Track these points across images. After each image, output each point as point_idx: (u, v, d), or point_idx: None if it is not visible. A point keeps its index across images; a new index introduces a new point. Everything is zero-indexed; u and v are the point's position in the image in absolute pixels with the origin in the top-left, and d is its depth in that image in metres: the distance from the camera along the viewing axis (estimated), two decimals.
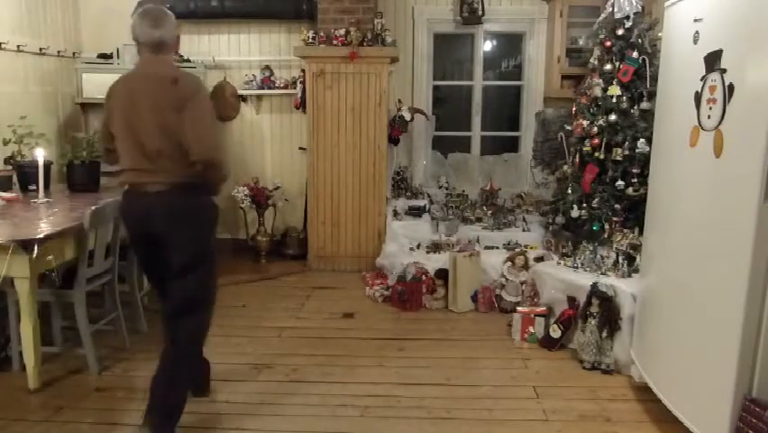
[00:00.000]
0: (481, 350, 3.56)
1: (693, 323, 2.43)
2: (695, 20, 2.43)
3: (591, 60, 4.18)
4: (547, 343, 3.56)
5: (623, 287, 3.29)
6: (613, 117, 3.90)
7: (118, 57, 4.82)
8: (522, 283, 4.09)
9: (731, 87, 2.17)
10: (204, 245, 2.57)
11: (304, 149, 5.22)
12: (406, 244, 4.70)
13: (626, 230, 3.69)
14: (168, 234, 2.47)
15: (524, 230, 4.74)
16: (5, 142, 3.92)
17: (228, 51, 5.42)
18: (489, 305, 4.17)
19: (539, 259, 4.16)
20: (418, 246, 4.66)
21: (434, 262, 4.34)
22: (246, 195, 5.13)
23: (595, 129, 3.96)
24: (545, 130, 5.21)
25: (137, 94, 2.46)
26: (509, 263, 4.15)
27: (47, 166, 3.62)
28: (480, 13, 5.20)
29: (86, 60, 4.97)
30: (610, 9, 4.03)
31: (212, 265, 2.63)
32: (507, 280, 4.15)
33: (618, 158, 3.90)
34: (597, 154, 3.98)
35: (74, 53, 5.10)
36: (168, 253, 2.50)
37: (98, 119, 4.76)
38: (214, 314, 2.72)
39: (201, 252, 2.55)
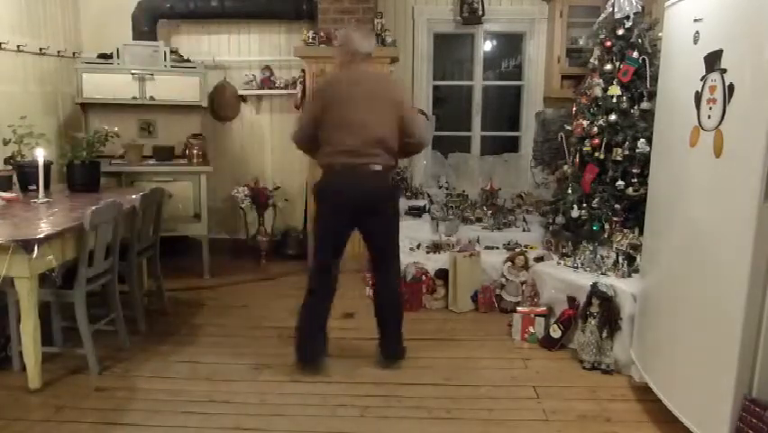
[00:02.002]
0: (481, 350, 3.56)
1: (693, 323, 2.43)
2: (695, 20, 2.43)
3: (591, 60, 4.18)
4: (547, 343, 3.56)
5: (623, 287, 3.29)
6: (613, 117, 3.90)
7: (118, 57, 4.82)
8: (522, 283, 4.09)
9: (731, 87, 2.17)
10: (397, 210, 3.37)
11: None
12: (406, 244, 4.69)
13: (626, 230, 3.69)
14: (380, 204, 3.15)
15: (524, 230, 4.73)
16: (5, 142, 3.92)
17: (228, 51, 5.42)
18: (489, 305, 4.17)
19: (539, 259, 4.16)
20: (418, 246, 4.65)
21: (434, 262, 4.34)
22: (246, 195, 5.13)
23: (595, 129, 3.96)
24: (545, 130, 5.21)
25: (362, 90, 3.08)
26: (509, 263, 4.16)
27: (47, 166, 3.62)
28: (480, 13, 5.21)
29: (86, 60, 4.96)
30: (610, 9, 4.02)
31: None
32: (507, 280, 4.15)
33: (618, 158, 3.89)
34: (597, 154, 3.97)
35: (74, 53, 5.10)
36: (372, 220, 3.16)
37: (99, 119, 4.79)
38: None
39: (396, 216, 3.33)
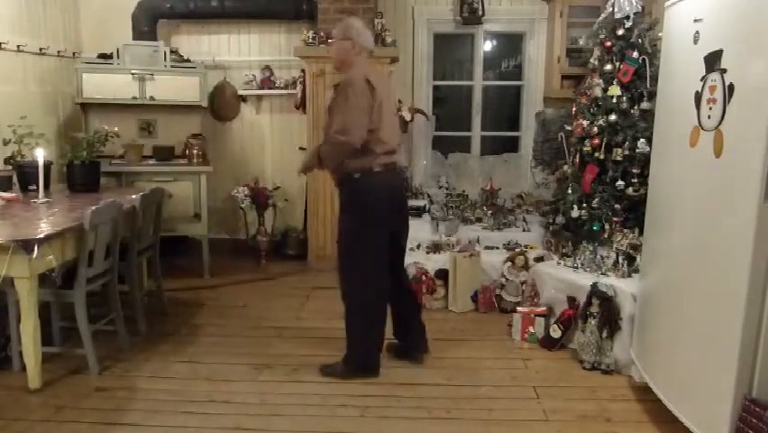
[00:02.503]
0: (481, 350, 3.56)
1: (693, 323, 2.43)
2: (695, 20, 2.43)
3: (591, 60, 4.18)
4: (547, 343, 3.56)
5: (623, 287, 3.29)
6: (613, 117, 3.90)
7: (118, 57, 4.82)
8: (522, 283, 4.09)
9: (731, 87, 2.17)
10: None
11: (304, 149, 5.22)
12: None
13: (626, 230, 3.69)
14: (406, 202, 3.31)
15: (524, 230, 4.73)
16: (5, 142, 3.92)
17: (228, 51, 5.42)
18: (489, 305, 4.17)
19: (539, 259, 4.16)
20: (418, 246, 4.65)
21: (434, 263, 4.34)
22: (246, 195, 5.13)
23: (595, 129, 3.96)
24: (545, 130, 5.21)
25: (387, 88, 3.10)
26: (509, 263, 4.15)
27: (47, 166, 3.62)
28: (480, 13, 5.21)
29: (86, 60, 4.96)
30: (610, 9, 4.02)
31: None
32: (507, 280, 4.15)
33: (618, 158, 3.89)
34: (597, 154, 3.97)
35: (74, 53, 5.10)
36: (400, 219, 3.19)
37: (99, 119, 4.79)
38: None
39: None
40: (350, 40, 3.01)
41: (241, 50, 5.43)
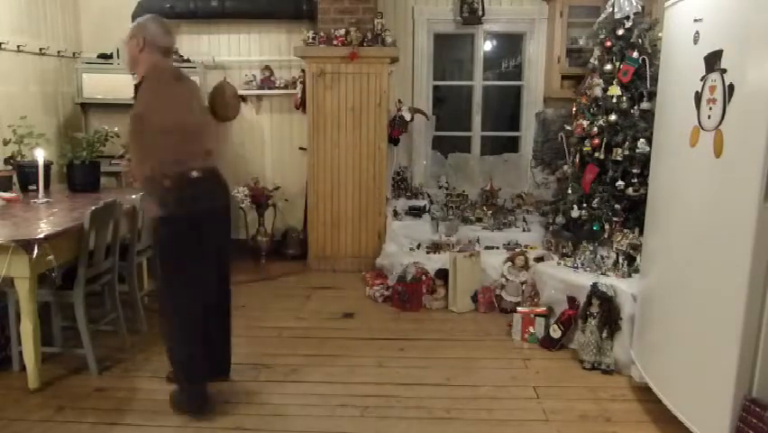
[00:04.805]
0: (481, 350, 3.56)
1: (693, 323, 2.43)
2: (695, 20, 2.43)
3: (591, 60, 4.18)
4: (547, 343, 3.56)
5: (623, 287, 3.29)
6: (613, 117, 3.90)
7: (118, 57, 4.82)
8: (522, 283, 4.09)
9: (731, 87, 2.17)
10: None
11: (304, 149, 5.22)
12: (406, 245, 4.70)
13: (626, 230, 3.69)
14: None
15: (524, 230, 4.73)
16: (5, 142, 3.92)
17: (228, 51, 5.42)
18: (489, 305, 4.17)
19: (539, 259, 4.16)
20: (418, 246, 4.66)
21: (434, 263, 4.34)
22: (246, 195, 5.13)
23: (595, 129, 3.96)
24: (545, 130, 5.20)
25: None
26: (509, 263, 4.15)
27: (47, 166, 3.62)
28: (480, 13, 5.20)
29: (86, 60, 4.97)
30: (610, 9, 4.02)
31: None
32: (507, 280, 4.15)
33: (618, 158, 3.89)
34: (597, 154, 3.97)
35: (74, 53, 5.11)
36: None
37: (99, 119, 4.79)
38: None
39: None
40: (135, 38, 2.76)
41: (241, 49, 5.43)
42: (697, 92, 2.39)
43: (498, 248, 4.53)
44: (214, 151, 2.83)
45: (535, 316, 3.64)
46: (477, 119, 5.55)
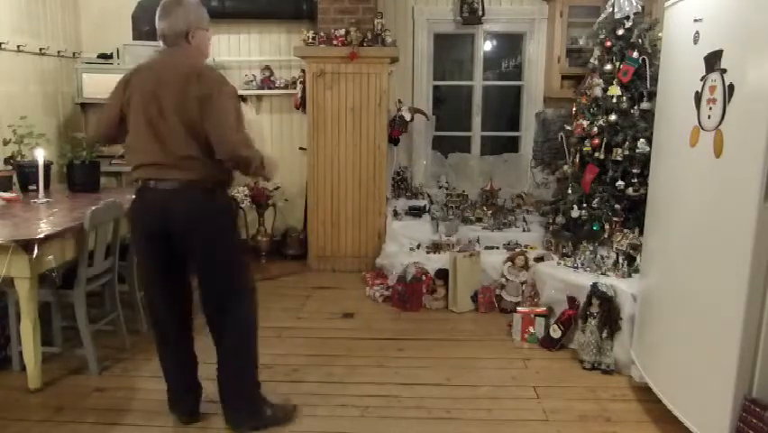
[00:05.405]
0: (481, 350, 3.56)
1: (693, 323, 2.43)
2: (695, 20, 2.43)
3: (591, 60, 4.18)
4: (547, 343, 3.56)
5: (623, 287, 3.29)
6: (613, 117, 3.90)
7: (118, 57, 4.82)
8: (522, 283, 4.09)
9: (731, 87, 2.17)
10: (226, 248, 2.49)
11: (304, 149, 5.22)
12: (406, 245, 4.70)
13: (626, 230, 3.69)
14: (186, 234, 2.40)
15: (524, 230, 4.73)
16: (5, 142, 3.92)
17: (228, 51, 5.42)
18: (489, 305, 4.17)
19: (539, 259, 4.16)
20: (418, 246, 4.65)
21: (434, 263, 4.34)
22: (246, 195, 5.13)
23: (595, 129, 3.96)
24: (545, 130, 5.21)
25: (161, 87, 2.42)
26: (509, 263, 4.16)
27: (47, 166, 3.62)
28: (480, 13, 5.20)
29: (86, 60, 4.96)
30: (610, 9, 4.02)
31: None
32: (507, 280, 4.15)
33: (618, 158, 3.89)
34: (597, 154, 3.97)
35: (74, 53, 5.10)
36: (186, 253, 2.45)
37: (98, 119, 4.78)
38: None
39: (223, 253, 2.48)
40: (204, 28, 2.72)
41: (241, 49, 5.43)
42: (697, 92, 2.39)
43: (498, 248, 4.53)
44: None
45: (535, 316, 3.64)
46: (477, 119, 5.55)
